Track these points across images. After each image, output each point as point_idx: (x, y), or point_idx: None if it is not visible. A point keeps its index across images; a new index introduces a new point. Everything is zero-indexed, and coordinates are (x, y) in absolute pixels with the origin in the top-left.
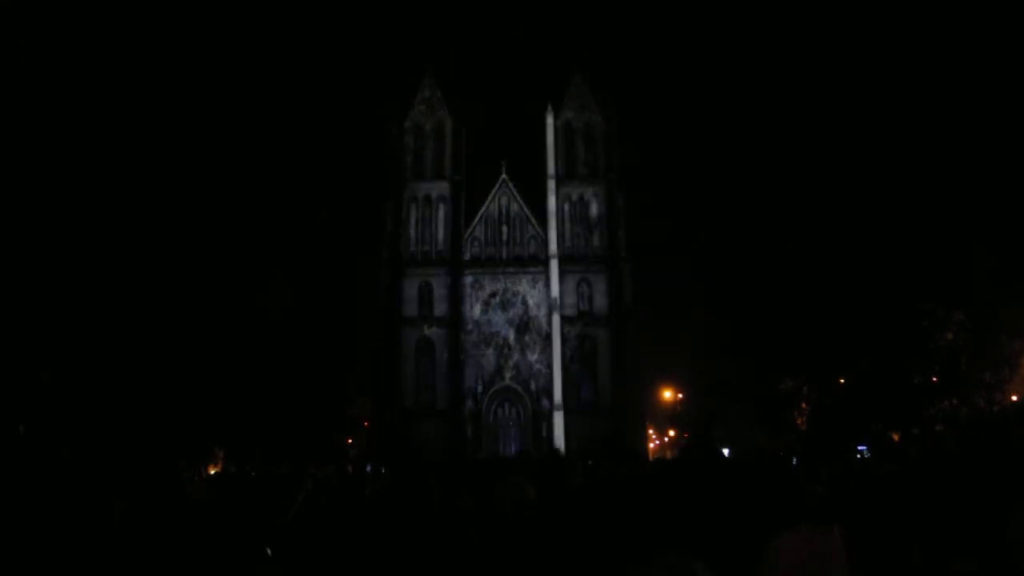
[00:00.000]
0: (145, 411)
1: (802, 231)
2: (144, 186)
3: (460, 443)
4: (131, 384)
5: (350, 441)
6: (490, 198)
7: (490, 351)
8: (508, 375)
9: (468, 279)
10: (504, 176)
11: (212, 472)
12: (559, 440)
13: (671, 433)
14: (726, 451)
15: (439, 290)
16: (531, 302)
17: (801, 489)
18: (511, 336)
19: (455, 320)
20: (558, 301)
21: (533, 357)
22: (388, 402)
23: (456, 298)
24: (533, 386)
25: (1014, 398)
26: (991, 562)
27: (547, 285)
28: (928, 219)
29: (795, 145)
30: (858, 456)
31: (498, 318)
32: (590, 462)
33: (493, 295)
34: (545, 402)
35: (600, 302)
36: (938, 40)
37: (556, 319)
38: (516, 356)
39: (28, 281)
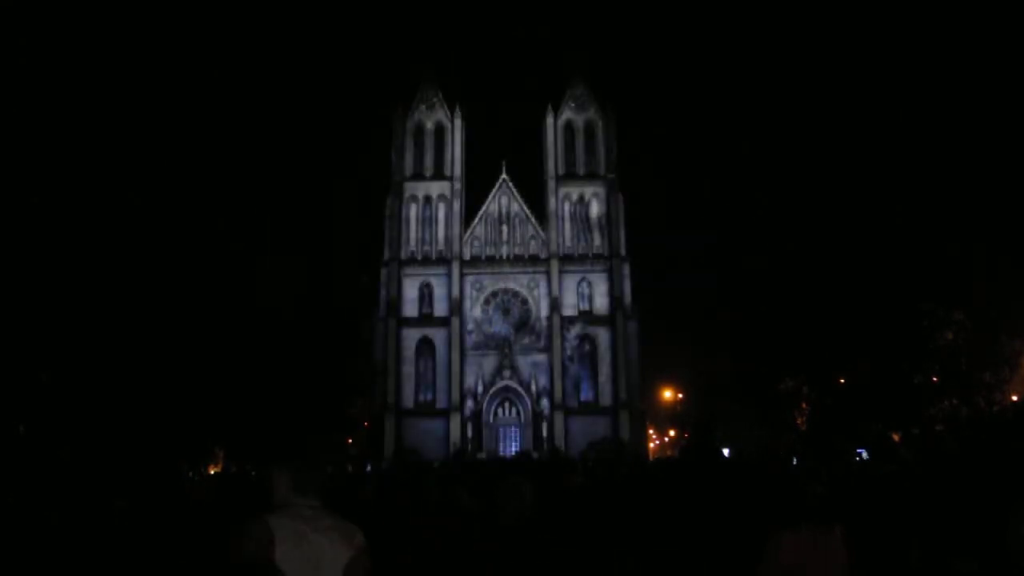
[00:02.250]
0: (145, 411)
1: (802, 231)
2: (144, 186)
3: (460, 443)
4: (131, 384)
5: (350, 441)
6: (490, 198)
7: (490, 351)
8: (508, 375)
9: (468, 279)
10: (504, 176)
11: (212, 472)
12: (559, 440)
13: (671, 433)
14: (726, 451)
15: (439, 290)
16: (531, 302)
17: (801, 489)
18: (511, 336)
19: (455, 320)
20: (558, 301)
21: (533, 357)
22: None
23: (456, 298)
24: (533, 386)
25: (1014, 398)
26: (991, 562)
27: (547, 285)
28: (928, 219)
29: (794, 145)
30: (857, 458)
31: (498, 318)
32: (590, 462)
33: (493, 295)
34: (545, 402)
35: (600, 302)
36: (938, 40)
37: (556, 319)
38: (516, 356)
39: (28, 281)
